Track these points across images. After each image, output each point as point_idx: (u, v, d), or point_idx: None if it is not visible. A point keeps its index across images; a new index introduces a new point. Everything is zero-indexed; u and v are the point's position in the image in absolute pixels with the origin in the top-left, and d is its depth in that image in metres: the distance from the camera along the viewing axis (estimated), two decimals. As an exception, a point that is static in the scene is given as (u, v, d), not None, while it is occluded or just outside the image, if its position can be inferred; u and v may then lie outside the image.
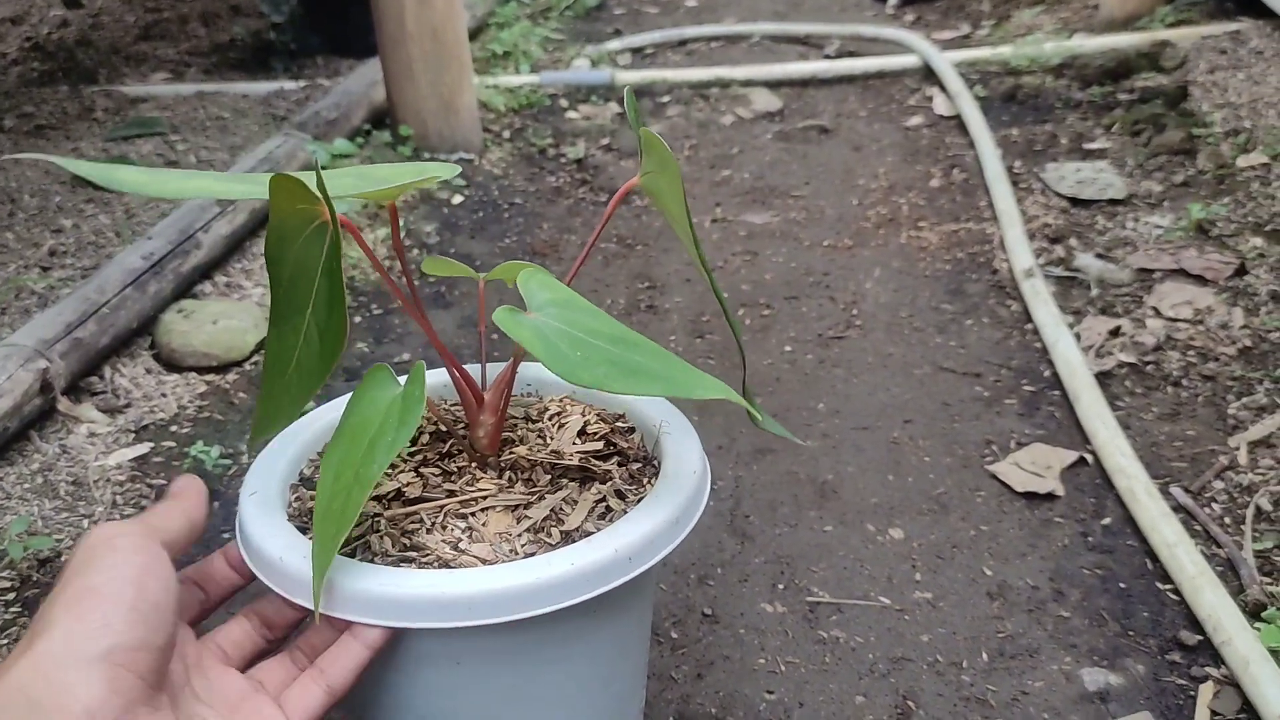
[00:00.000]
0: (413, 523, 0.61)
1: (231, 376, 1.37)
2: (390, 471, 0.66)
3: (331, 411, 0.72)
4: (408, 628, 0.55)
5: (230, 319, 1.40)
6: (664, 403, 0.71)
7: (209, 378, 1.37)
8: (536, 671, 0.60)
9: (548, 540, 0.60)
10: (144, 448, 1.23)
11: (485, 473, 0.66)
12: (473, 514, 0.62)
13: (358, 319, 1.51)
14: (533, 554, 0.59)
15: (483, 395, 0.66)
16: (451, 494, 0.64)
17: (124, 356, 1.38)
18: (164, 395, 1.33)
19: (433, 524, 0.61)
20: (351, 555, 0.59)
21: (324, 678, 0.55)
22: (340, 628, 0.56)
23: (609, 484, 0.65)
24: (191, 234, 1.52)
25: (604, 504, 0.64)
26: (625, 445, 0.69)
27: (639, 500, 0.63)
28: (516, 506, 0.63)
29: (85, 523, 1.11)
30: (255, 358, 1.41)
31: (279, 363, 0.59)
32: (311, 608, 0.54)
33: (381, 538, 0.60)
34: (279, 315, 0.58)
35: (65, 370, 1.26)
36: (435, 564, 0.58)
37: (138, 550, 0.50)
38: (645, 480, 0.67)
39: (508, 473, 0.66)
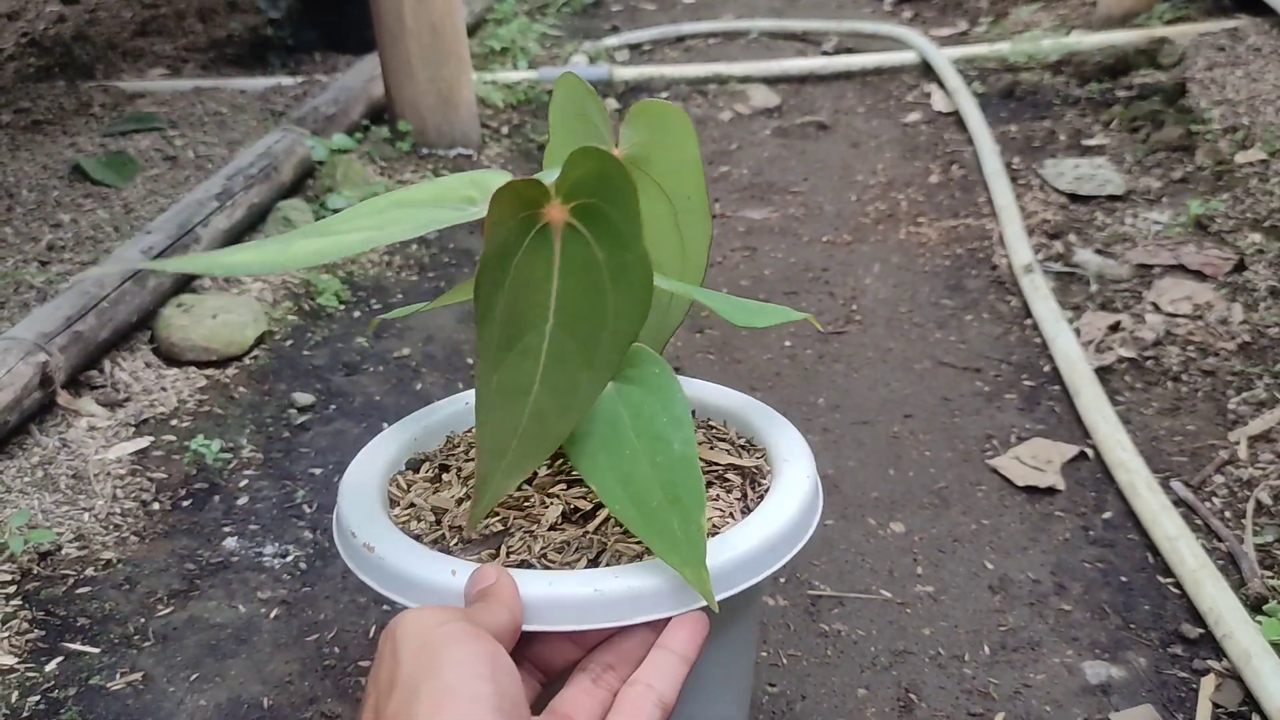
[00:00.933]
0: (585, 543, 0.57)
1: (231, 371, 1.37)
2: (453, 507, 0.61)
3: (375, 462, 0.64)
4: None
5: (230, 313, 1.40)
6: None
7: (209, 372, 1.36)
8: (744, 640, 0.63)
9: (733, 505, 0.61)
10: (144, 441, 1.23)
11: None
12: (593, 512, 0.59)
13: (356, 314, 1.51)
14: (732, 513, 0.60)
15: None
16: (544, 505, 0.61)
17: (124, 350, 1.38)
18: (164, 389, 1.32)
19: (591, 536, 0.58)
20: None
21: (654, 693, 0.50)
22: (647, 639, 0.52)
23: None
24: (190, 228, 1.52)
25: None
26: None
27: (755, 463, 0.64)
28: None
29: (86, 516, 1.11)
30: (255, 352, 1.41)
31: (511, 391, 0.53)
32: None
33: (605, 558, 0.57)
34: (504, 343, 0.52)
35: (65, 364, 1.26)
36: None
37: (479, 640, 0.47)
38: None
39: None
